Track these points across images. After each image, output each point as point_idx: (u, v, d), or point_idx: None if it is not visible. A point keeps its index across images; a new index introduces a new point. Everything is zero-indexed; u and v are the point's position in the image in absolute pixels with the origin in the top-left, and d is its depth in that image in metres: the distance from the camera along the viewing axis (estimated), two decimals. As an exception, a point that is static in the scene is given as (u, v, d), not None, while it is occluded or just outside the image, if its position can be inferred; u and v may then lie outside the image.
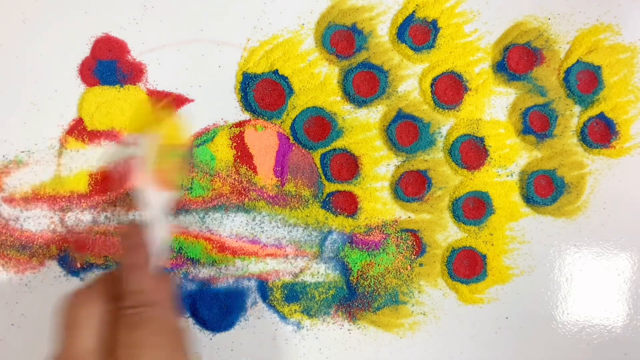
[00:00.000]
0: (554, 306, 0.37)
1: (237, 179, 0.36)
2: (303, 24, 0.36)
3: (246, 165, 0.36)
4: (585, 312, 0.37)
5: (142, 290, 0.26)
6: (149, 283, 0.27)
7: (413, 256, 0.37)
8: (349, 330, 0.37)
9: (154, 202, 0.31)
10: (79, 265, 0.36)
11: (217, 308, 0.36)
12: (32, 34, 0.36)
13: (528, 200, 0.37)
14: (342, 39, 0.37)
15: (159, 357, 0.25)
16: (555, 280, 0.37)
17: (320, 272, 0.36)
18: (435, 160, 0.37)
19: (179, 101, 0.36)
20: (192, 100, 0.36)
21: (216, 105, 0.36)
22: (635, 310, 0.37)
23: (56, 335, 0.26)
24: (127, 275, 0.27)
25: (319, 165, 0.37)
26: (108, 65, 0.36)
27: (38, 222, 0.36)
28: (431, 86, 0.37)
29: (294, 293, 0.36)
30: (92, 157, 0.36)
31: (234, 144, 0.36)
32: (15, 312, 0.36)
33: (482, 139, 0.37)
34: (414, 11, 0.37)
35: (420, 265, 0.37)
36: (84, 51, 0.36)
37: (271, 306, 0.36)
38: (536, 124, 0.37)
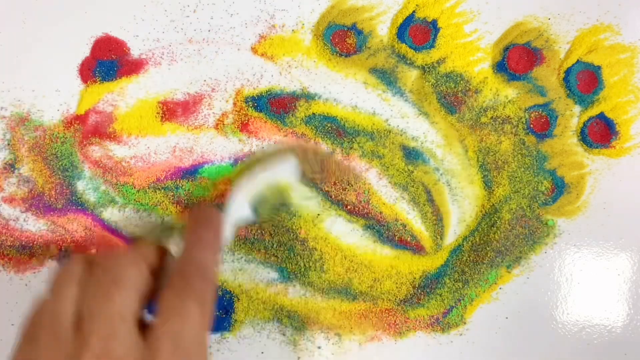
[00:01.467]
0: (554, 306, 0.37)
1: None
2: (303, 24, 0.36)
3: None
4: (585, 312, 0.37)
5: (206, 266, 0.25)
6: (214, 265, 0.25)
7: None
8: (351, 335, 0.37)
9: (237, 212, 0.31)
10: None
11: (216, 308, 0.36)
12: (32, 34, 0.36)
13: (528, 200, 0.37)
14: (342, 39, 0.37)
15: (197, 333, 0.24)
16: (555, 280, 0.37)
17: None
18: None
19: (185, 106, 0.36)
20: (196, 101, 0.36)
21: (216, 105, 0.36)
22: (635, 310, 0.37)
23: (95, 290, 0.24)
24: (198, 250, 0.25)
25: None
26: (108, 65, 0.36)
27: (38, 222, 0.36)
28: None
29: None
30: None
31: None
32: (15, 312, 0.36)
33: (482, 139, 0.37)
34: (414, 11, 0.37)
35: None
36: (84, 51, 0.36)
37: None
38: (536, 124, 0.37)
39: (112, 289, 0.24)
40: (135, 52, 0.36)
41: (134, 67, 0.36)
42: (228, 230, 0.30)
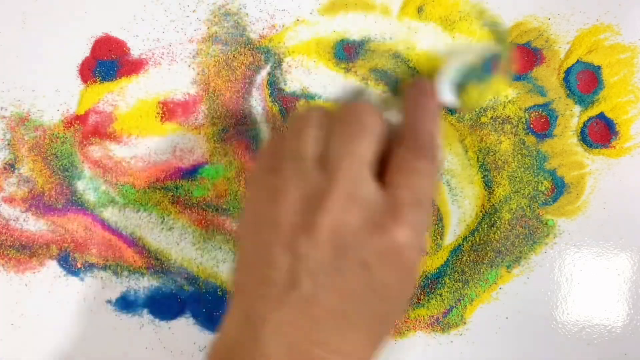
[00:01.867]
0: (554, 306, 0.37)
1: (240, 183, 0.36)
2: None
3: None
4: (585, 312, 0.37)
5: (431, 133, 0.27)
6: (439, 132, 0.27)
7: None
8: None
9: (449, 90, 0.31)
10: (79, 265, 0.36)
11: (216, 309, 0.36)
12: (32, 34, 0.36)
13: (528, 200, 0.37)
14: (342, 39, 0.37)
15: (429, 190, 0.26)
16: (555, 280, 0.37)
17: None
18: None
19: (185, 107, 0.36)
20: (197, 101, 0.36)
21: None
22: (635, 310, 0.37)
23: (341, 132, 0.26)
24: (422, 116, 0.27)
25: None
26: (108, 65, 0.36)
27: (38, 222, 0.36)
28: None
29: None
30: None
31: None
32: (15, 312, 0.36)
33: (482, 139, 0.37)
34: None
35: None
36: (84, 51, 0.36)
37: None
38: (536, 124, 0.37)
39: (358, 133, 0.25)
40: (135, 52, 0.36)
41: (134, 67, 0.36)
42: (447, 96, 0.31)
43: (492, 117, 0.37)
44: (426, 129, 0.27)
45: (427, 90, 0.30)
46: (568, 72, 0.37)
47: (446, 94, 0.31)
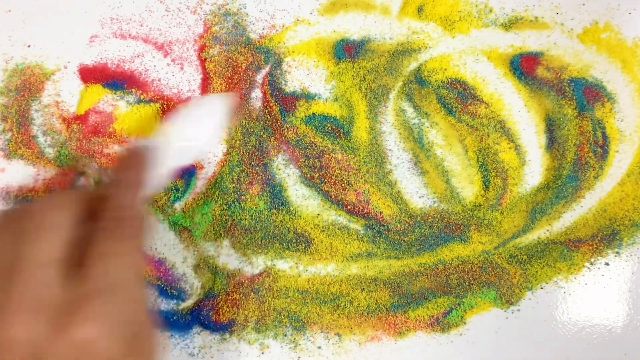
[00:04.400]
0: (554, 306, 0.37)
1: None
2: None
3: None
4: (585, 312, 0.37)
5: (131, 206, 0.26)
6: (137, 203, 0.27)
7: None
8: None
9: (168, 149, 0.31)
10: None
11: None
12: (32, 33, 0.36)
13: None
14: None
15: (124, 271, 0.24)
16: (555, 281, 0.37)
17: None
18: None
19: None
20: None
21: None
22: (635, 310, 0.37)
23: (19, 237, 0.24)
24: (120, 190, 0.27)
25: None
26: (115, 84, 0.36)
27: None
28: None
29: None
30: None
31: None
32: (15, 312, 0.36)
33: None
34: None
35: None
36: (84, 51, 0.36)
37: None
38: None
39: (33, 235, 0.24)
40: (135, 63, 0.36)
41: (141, 85, 0.36)
42: (163, 166, 0.31)
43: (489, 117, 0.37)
44: (116, 204, 0.26)
45: (125, 158, 0.30)
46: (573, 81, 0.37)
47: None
